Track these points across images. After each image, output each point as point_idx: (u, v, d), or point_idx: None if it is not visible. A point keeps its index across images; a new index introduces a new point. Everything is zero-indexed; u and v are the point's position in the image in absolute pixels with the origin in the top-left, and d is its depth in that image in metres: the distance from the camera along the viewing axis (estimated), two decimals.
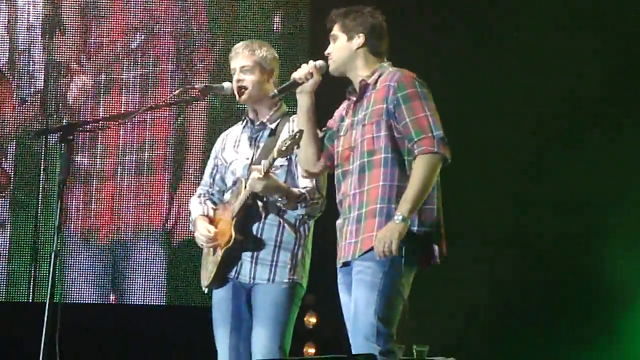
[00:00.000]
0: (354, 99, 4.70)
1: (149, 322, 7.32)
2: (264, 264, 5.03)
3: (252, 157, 5.13)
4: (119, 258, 7.35)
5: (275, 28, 7.54)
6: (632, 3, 7.30)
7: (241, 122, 5.28)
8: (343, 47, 4.68)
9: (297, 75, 4.68)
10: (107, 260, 7.36)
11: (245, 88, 5.13)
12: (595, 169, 7.20)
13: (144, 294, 7.34)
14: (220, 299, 5.15)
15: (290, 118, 5.13)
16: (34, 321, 5.76)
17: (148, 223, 7.38)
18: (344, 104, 4.78)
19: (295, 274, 5.06)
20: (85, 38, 7.42)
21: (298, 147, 4.79)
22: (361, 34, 4.66)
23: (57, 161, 7.16)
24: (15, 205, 7.30)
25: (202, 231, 5.11)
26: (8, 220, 7.28)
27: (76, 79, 7.38)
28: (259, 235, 5.04)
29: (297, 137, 4.72)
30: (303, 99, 4.69)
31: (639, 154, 7.24)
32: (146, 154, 7.40)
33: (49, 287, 4.64)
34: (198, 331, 6.75)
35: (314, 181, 5.01)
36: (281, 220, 5.04)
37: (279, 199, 4.98)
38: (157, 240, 7.38)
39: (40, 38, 7.38)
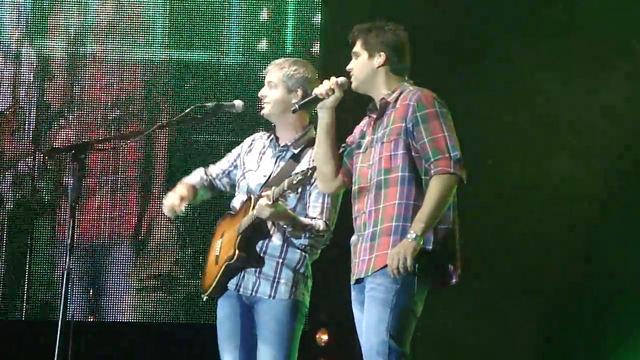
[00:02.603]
0: (375, 116, 4.70)
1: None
2: (267, 280, 5.02)
3: (270, 176, 5.12)
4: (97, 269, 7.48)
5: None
6: None
7: (268, 135, 5.26)
8: (364, 65, 4.68)
9: (318, 91, 4.69)
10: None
11: (268, 103, 5.14)
12: None
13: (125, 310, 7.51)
14: (225, 316, 5.14)
15: None
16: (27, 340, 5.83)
17: (123, 233, 7.57)
18: (364, 121, 4.79)
19: (297, 291, 5.03)
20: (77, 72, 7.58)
21: (309, 183, 4.86)
22: (382, 52, 4.66)
23: (51, 179, 7.36)
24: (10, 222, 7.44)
25: (169, 196, 5.19)
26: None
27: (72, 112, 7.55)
28: (263, 252, 5.04)
29: (308, 173, 4.73)
30: (323, 115, 4.70)
31: None
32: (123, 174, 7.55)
33: (61, 305, 4.63)
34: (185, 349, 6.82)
35: (324, 214, 5.01)
36: (286, 239, 5.03)
37: (285, 226, 4.97)
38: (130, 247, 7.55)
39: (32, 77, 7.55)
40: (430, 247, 4.45)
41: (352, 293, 4.66)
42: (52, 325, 4.75)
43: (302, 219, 4.99)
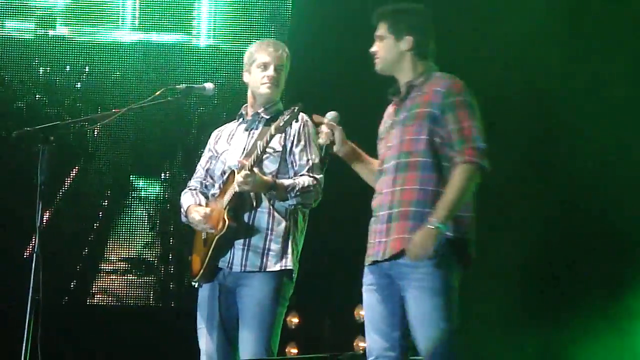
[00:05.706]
0: (397, 99, 4.70)
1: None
2: (256, 252, 5.03)
3: (245, 147, 5.13)
4: None
5: None
6: None
7: (236, 119, 5.27)
8: (390, 49, 4.66)
9: (322, 141, 4.73)
10: None
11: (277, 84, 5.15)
12: None
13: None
14: (204, 298, 5.13)
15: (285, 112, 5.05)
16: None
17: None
18: (390, 108, 4.78)
19: (287, 261, 5.05)
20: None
21: (296, 120, 4.92)
22: (409, 36, 4.64)
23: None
24: None
25: (197, 212, 5.09)
26: None
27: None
28: (250, 223, 5.04)
29: (295, 111, 4.79)
30: (342, 153, 4.73)
31: None
32: None
33: (31, 288, 4.63)
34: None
35: (309, 169, 5.04)
36: (272, 209, 5.04)
37: (268, 192, 4.99)
38: None
39: None
40: (452, 235, 4.48)
41: (369, 275, 4.63)
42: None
43: (283, 180, 5.02)
